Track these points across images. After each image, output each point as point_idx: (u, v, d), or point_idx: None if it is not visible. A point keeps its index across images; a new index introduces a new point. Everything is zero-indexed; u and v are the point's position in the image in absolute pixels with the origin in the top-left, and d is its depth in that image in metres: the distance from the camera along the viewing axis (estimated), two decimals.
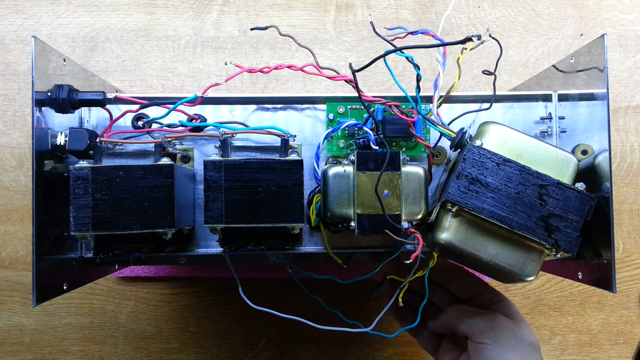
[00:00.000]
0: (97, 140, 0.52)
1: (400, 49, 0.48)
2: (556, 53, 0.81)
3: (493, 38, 0.53)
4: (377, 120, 0.54)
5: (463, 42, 0.48)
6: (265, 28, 0.54)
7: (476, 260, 0.48)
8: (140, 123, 0.55)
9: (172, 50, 0.80)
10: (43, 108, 0.50)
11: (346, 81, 0.52)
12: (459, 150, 0.51)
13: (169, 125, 0.55)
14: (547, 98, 0.58)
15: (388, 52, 0.47)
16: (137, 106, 0.54)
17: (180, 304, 0.79)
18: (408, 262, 0.47)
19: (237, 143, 0.57)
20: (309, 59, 0.53)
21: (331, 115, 0.57)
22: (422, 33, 0.52)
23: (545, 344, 0.80)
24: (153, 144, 0.52)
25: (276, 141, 0.55)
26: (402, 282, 0.54)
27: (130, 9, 0.80)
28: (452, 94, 0.53)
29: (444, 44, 0.48)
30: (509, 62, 0.81)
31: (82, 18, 0.79)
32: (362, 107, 0.55)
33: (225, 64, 0.76)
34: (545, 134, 0.57)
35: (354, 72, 0.47)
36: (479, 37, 0.48)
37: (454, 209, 0.47)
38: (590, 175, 0.50)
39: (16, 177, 0.77)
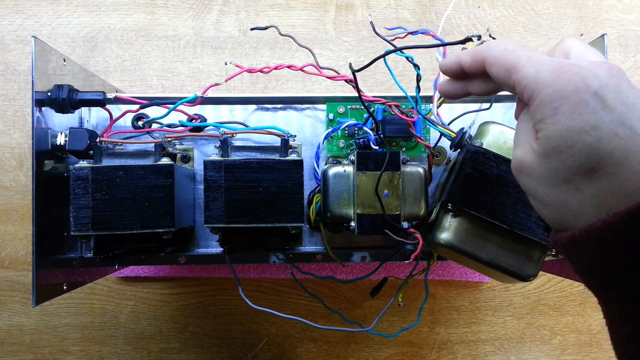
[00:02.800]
0: (97, 140, 0.52)
1: (400, 49, 0.48)
2: None
3: (493, 38, 0.53)
4: (377, 120, 0.54)
5: (463, 42, 0.48)
6: (265, 28, 0.54)
7: (476, 260, 0.48)
8: (140, 123, 0.55)
9: (172, 50, 0.80)
10: (43, 108, 0.50)
11: (346, 81, 0.52)
12: (459, 150, 0.51)
13: (169, 125, 0.55)
14: None
15: (388, 52, 0.47)
16: (137, 106, 0.54)
17: (180, 304, 0.79)
18: (408, 262, 0.47)
19: (237, 143, 0.57)
20: (309, 59, 0.53)
21: (331, 115, 0.57)
22: (422, 33, 0.52)
23: (545, 344, 0.80)
24: (153, 144, 0.52)
25: (276, 141, 0.55)
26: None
27: (130, 9, 0.80)
28: None
29: (444, 44, 0.48)
30: None
31: (82, 18, 0.79)
32: (362, 107, 0.55)
33: (225, 64, 0.76)
34: None
35: (354, 72, 0.47)
36: (479, 37, 0.48)
37: (454, 209, 0.48)
38: None
39: (16, 177, 0.77)
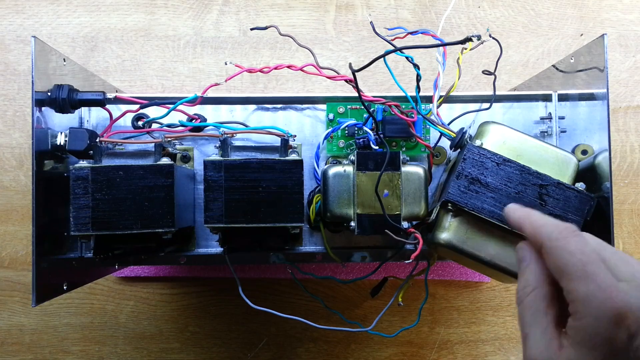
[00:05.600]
0: (97, 140, 0.52)
1: (400, 49, 0.48)
2: (556, 53, 0.81)
3: (493, 38, 0.53)
4: (377, 120, 0.54)
5: (463, 42, 0.48)
6: (265, 28, 0.54)
7: (476, 260, 0.48)
8: (140, 123, 0.55)
9: (172, 50, 0.80)
10: (43, 108, 0.50)
11: (346, 81, 0.52)
12: (459, 150, 0.51)
13: (169, 125, 0.55)
14: (547, 98, 0.58)
15: (388, 52, 0.47)
16: (137, 106, 0.54)
17: (180, 304, 0.79)
18: (408, 262, 0.47)
19: (237, 143, 0.57)
20: (309, 59, 0.53)
21: (331, 115, 0.57)
22: (422, 33, 0.52)
23: None
24: (153, 144, 0.52)
25: (276, 141, 0.55)
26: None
27: (130, 9, 0.80)
28: (452, 94, 0.53)
29: (444, 44, 0.48)
30: (509, 62, 0.81)
31: (82, 18, 0.79)
32: (362, 107, 0.55)
33: (225, 64, 0.76)
34: (545, 134, 0.57)
35: (354, 72, 0.47)
36: (479, 37, 0.48)
37: (454, 209, 0.48)
38: (590, 175, 0.50)
39: (16, 177, 0.77)
